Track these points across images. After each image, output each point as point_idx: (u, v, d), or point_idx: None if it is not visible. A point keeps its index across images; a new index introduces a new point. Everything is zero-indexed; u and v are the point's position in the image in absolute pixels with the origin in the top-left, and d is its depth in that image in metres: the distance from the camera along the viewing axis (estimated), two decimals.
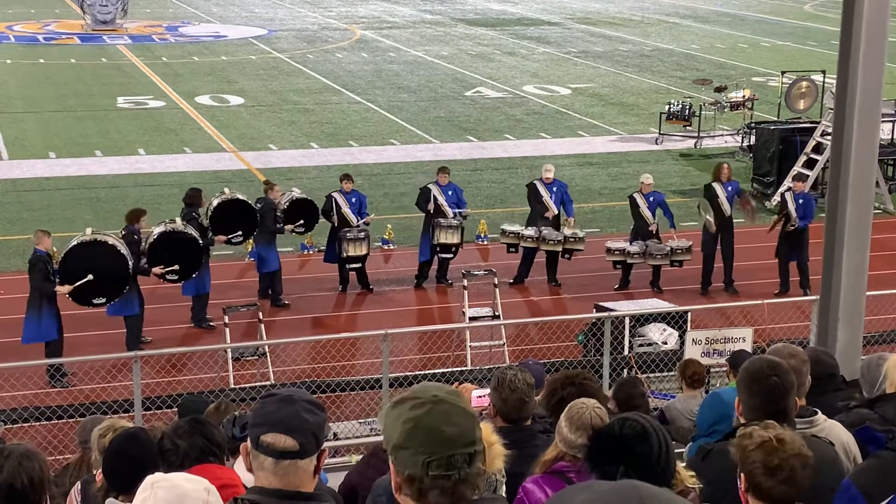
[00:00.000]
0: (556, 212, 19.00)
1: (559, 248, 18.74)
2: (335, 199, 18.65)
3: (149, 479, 3.21)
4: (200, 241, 16.48)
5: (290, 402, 3.34)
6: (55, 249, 15.77)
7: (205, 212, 17.32)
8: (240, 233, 17.46)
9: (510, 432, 5.54)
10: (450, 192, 19.06)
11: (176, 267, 16.04)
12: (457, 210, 18.93)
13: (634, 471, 4.04)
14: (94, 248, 15.13)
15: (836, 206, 9.45)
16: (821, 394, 6.52)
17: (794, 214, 18.15)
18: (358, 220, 18.53)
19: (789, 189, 19.50)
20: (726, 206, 18.63)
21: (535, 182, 19.38)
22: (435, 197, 18.83)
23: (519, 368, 6.17)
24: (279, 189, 18.45)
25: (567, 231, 18.77)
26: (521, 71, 39.25)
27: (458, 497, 2.91)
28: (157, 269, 15.96)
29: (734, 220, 18.99)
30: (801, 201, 18.29)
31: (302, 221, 18.16)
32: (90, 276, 14.91)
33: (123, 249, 15.35)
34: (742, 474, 4.28)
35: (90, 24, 47.44)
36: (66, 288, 14.93)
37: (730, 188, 18.81)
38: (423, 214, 18.99)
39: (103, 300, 15.30)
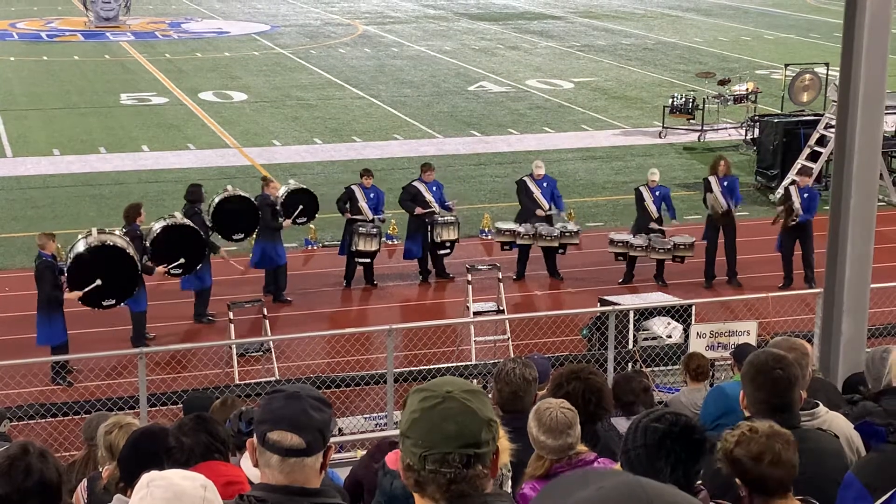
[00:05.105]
0: (548, 207, 19.01)
1: (555, 244, 18.78)
2: (353, 191, 18.67)
3: (144, 477, 3.18)
4: (202, 233, 16.52)
5: (297, 398, 3.34)
6: (59, 246, 15.76)
7: (206, 208, 17.34)
8: (243, 236, 17.72)
9: (510, 421, 5.57)
10: (434, 189, 19.05)
11: (182, 260, 16.05)
12: (445, 203, 18.94)
13: (688, 464, 4.03)
14: (103, 252, 15.01)
15: (840, 199, 9.45)
16: None
17: (797, 208, 18.14)
18: (373, 216, 18.54)
19: (794, 182, 19.47)
20: (721, 201, 18.58)
21: (524, 178, 19.38)
22: (422, 194, 18.82)
23: (521, 362, 6.20)
24: (276, 185, 18.48)
25: (559, 226, 18.86)
26: (524, 65, 39.22)
27: (454, 494, 2.89)
28: (160, 268, 15.94)
29: (736, 214, 18.99)
30: (805, 195, 18.27)
31: (301, 207, 18.17)
32: (98, 282, 14.66)
33: (131, 250, 15.29)
34: (737, 479, 4.30)
35: (93, 21, 47.46)
36: (76, 294, 14.72)
37: (725, 183, 18.75)
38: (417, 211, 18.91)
39: (112, 302, 15.25)
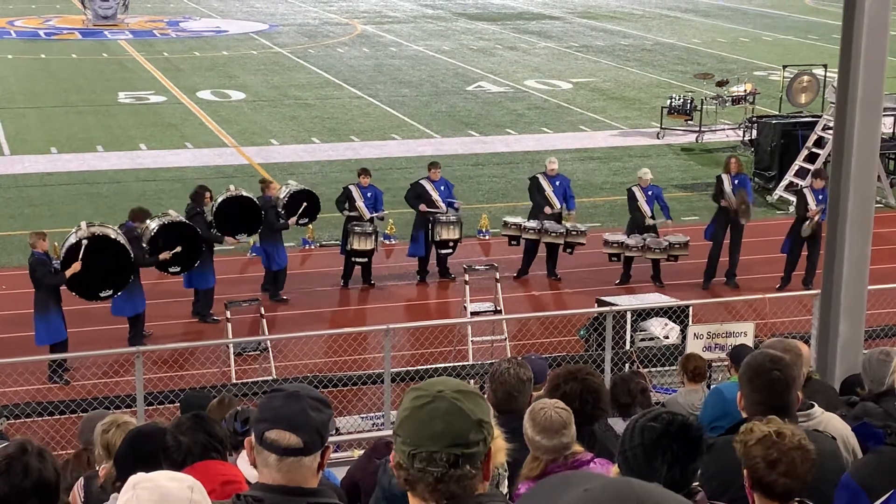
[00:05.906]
0: (560, 206, 18.99)
1: (561, 241, 18.74)
2: (350, 191, 18.67)
3: (131, 479, 3.16)
4: (199, 231, 16.54)
5: (297, 398, 3.34)
6: (56, 244, 15.74)
7: (210, 209, 17.33)
8: (246, 235, 17.81)
9: (506, 421, 5.58)
10: (442, 188, 19.04)
11: (178, 248, 16.08)
12: (451, 202, 18.95)
13: (685, 463, 4.03)
14: (95, 243, 15.11)
15: (838, 201, 9.45)
16: None
17: (814, 209, 18.09)
18: (371, 215, 18.54)
19: (795, 185, 19.45)
20: (731, 199, 18.62)
21: (537, 175, 19.37)
22: (428, 192, 18.83)
23: (516, 362, 6.20)
24: (276, 185, 18.48)
25: (568, 224, 18.80)
26: (523, 65, 39.22)
27: (442, 494, 2.89)
28: (163, 255, 15.99)
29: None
30: (820, 197, 18.21)
31: (305, 206, 18.18)
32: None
33: (122, 240, 15.37)
34: (745, 470, 4.29)
35: (91, 20, 47.46)
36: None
37: (737, 181, 18.79)
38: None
39: (110, 292, 15.32)
